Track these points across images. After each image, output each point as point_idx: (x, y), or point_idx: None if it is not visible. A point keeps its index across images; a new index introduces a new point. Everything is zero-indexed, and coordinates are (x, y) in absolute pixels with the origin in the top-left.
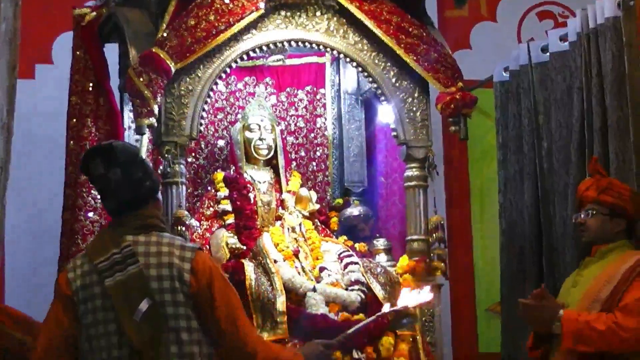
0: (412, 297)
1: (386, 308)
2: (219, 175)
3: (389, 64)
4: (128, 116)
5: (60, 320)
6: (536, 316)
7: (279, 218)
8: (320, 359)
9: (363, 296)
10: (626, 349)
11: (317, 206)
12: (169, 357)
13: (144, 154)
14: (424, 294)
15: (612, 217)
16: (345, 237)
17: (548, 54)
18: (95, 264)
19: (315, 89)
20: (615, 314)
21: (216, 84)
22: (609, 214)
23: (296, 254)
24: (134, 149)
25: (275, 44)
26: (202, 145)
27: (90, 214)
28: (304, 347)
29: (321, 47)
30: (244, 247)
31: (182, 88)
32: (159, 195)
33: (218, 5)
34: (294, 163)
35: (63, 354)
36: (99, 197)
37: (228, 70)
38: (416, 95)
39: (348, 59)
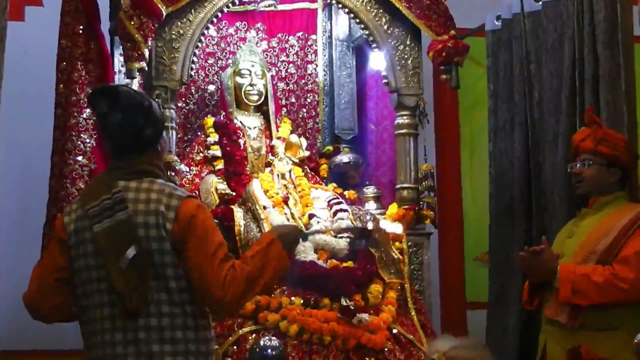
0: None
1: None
2: (209, 120)
3: (381, 10)
4: (118, 60)
5: (56, 261)
6: (534, 268)
7: (268, 164)
8: (292, 236)
9: None
10: (624, 301)
11: (307, 153)
12: (159, 304)
13: None
14: (394, 227)
15: (608, 168)
16: (334, 185)
17: (540, 2)
18: (86, 209)
19: (306, 35)
20: (613, 266)
21: (207, 28)
22: (606, 164)
23: (285, 201)
24: (140, 96)
25: None
26: (193, 90)
27: (80, 158)
28: (276, 226)
29: None
30: (233, 193)
31: (173, 32)
32: (162, 144)
33: None
34: (285, 109)
35: (55, 292)
36: (88, 141)
37: (219, 14)
38: (408, 42)
39: (340, 5)
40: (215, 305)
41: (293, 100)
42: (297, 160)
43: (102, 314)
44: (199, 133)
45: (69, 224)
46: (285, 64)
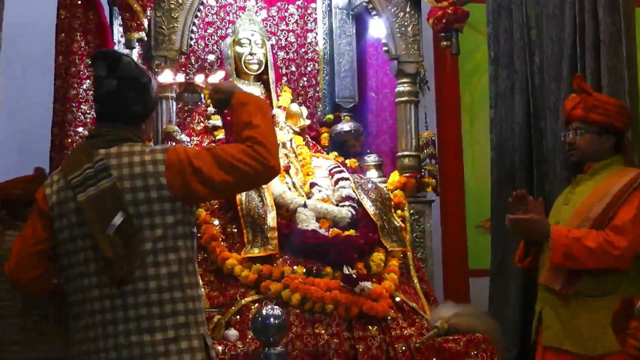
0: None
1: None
2: None
3: None
4: (118, 30)
5: (37, 232)
6: (525, 230)
7: None
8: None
9: (354, 212)
10: (612, 267)
11: (308, 122)
12: (145, 268)
13: None
14: (215, 76)
15: (600, 134)
16: (336, 153)
17: None
18: (69, 179)
19: (306, 3)
20: (606, 232)
21: None
22: (598, 131)
23: (287, 170)
24: (139, 70)
25: None
26: (192, 60)
27: (80, 129)
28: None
29: None
30: None
31: (172, 1)
32: (147, 123)
33: None
34: (285, 78)
35: (36, 263)
36: (88, 112)
37: None
38: (408, 9)
39: None
40: (271, 173)
41: (293, 69)
42: (297, 129)
43: (90, 283)
44: (200, 103)
45: (51, 196)
46: (285, 33)
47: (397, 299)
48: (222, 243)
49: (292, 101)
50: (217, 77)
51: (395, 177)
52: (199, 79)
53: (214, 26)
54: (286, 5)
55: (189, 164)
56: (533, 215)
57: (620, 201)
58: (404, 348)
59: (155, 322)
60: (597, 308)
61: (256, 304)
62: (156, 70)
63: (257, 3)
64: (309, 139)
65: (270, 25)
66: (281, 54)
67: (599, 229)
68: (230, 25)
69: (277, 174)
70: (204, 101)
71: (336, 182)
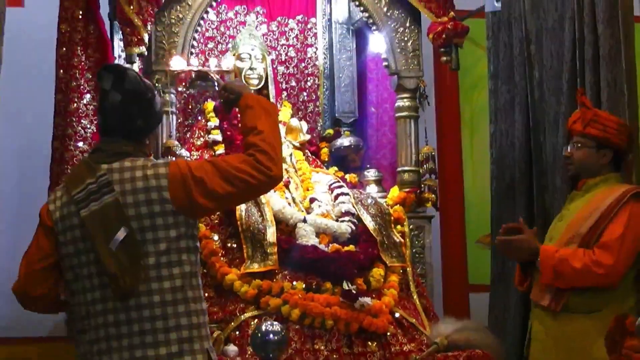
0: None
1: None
2: (210, 105)
3: None
4: (118, 45)
5: (42, 248)
6: (513, 251)
7: None
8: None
9: (353, 227)
10: (601, 285)
11: (308, 137)
12: (148, 282)
13: None
14: (226, 61)
15: (597, 149)
16: (335, 168)
17: None
18: (72, 195)
19: (306, 18)
20: (594, 250)
21: (207, 12)
22: (595, 146)
23: (287, 185)
24: (145, 86)
25: None
26: (193, 75)
27: (80, 144)
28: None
29: None
30: None
31: (173, 16)
32: (151, 139)
33: None
34: (285, 93)
35: (43, 279)
36: (88, 126)
37: None
38: (408, 24)
39: None
40: (273, 182)
41: (293, 83)
42: (297, 144)
43: (94, 297)
44: (200, 117)
45: (55, 212)
46: (285, 48)
47: (397, 314)
48: (222, 258)
49: (292, 116)
50: (228, 61)
51: (395, 192)
52: (212, 63)
53: (214, 41)
54: (286, 20)
55: (191, 177)
56: (520, 236)
57: (609, 218)
58: None
59: (159, 337)
60: (586, 325)
61: (256, 320)
62: (156, 85)
63: (257, 18)
64: (309, 154)
65: (270, 40)
66: (281, 68)
67: (589, 244)
68: (231, 40)
69: (279, 181)
70: (217, 89)
71: (336, 197)
